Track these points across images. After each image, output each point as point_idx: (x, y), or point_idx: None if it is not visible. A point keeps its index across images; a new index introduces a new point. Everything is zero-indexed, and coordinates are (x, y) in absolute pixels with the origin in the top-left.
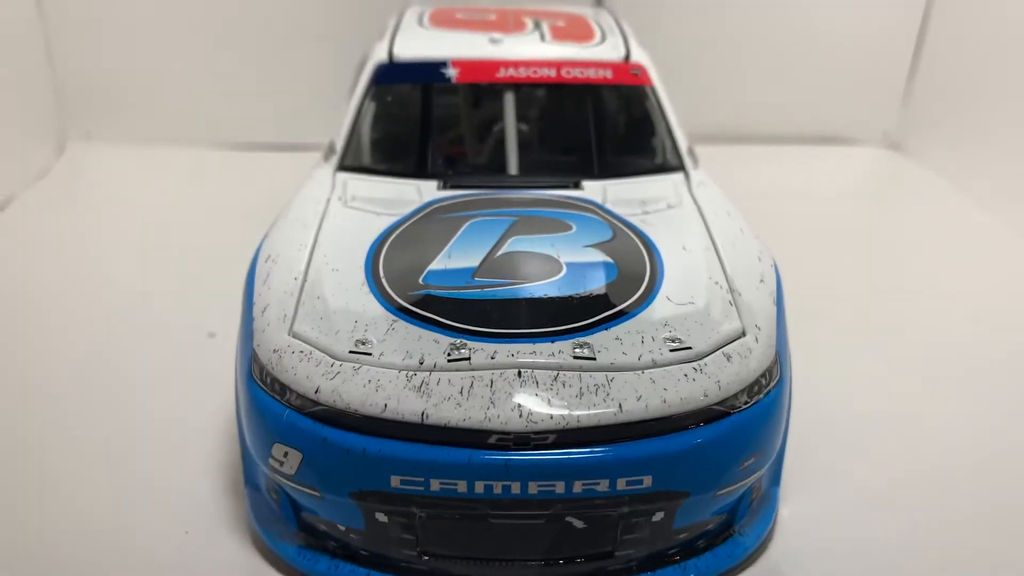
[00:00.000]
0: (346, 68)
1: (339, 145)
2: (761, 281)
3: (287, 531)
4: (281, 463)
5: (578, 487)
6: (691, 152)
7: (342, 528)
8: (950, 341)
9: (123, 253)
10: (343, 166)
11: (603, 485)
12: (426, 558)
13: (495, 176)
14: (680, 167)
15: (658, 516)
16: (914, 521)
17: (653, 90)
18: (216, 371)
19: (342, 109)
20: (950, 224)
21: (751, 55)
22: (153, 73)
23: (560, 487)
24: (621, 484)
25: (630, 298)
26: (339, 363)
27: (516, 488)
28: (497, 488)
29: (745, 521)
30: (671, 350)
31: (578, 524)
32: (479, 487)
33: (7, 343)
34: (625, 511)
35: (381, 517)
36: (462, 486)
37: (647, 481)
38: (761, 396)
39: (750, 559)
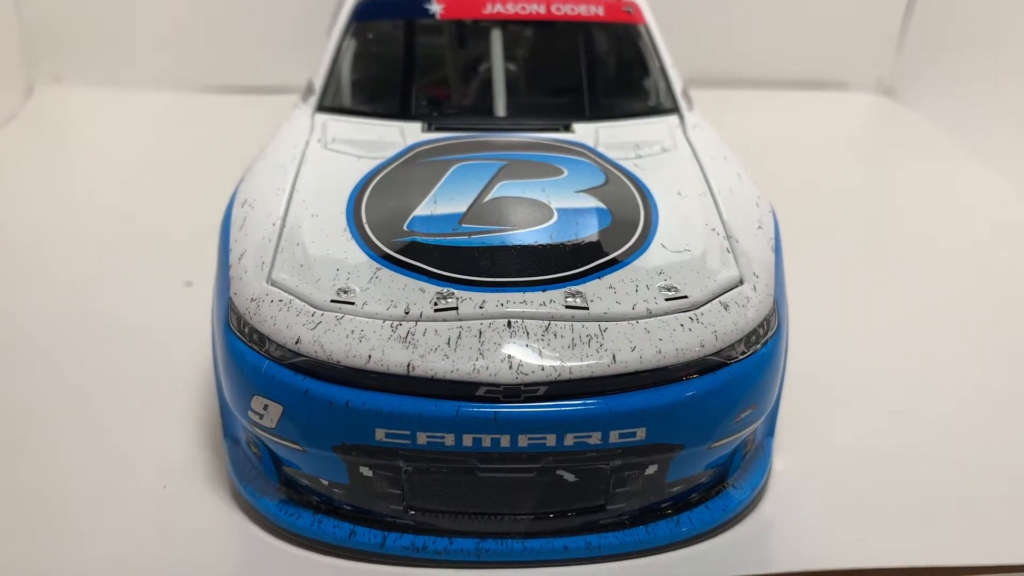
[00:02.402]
0: (324, 7)
1: (318, 85)
2: (759, 228)
3: (268, 486)
4: (261, 416)
5: (569, 440)
6: (686, 94)
7: (325, 483)
8: (943, 287)
9: (96, 199)
10: (322, 107)
11: (595, 438)
12: (412, 512)
13: (482, 118)
14: (674, 109)
15: (651, 469)
16: (909, 473)
17: (647, 28)
18: (193, 320)
19: (321, 49)
20: (943, 170)
21: None
22: (124, 13)
23: (551, 440)
24: (614, 436)
25: (624, 245)
26: (320, 312)
27: (506, 441)
28: (486, 441)
29: (739, 474)
30: (666, 299)
31: (569, 477)
32: (467, 440)
33: None
34: (617, 464)
35: (366, 471)
36: (450, 439)
37: (640, 433)
38: (759, 346)
39: (744, 512)
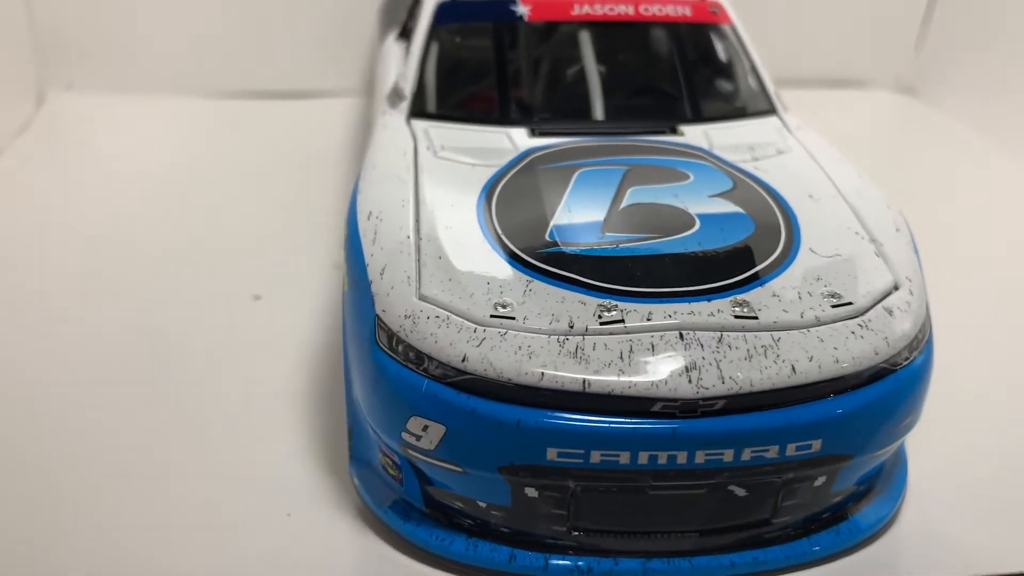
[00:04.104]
0: (347, 8)
1: (408, 90)
2: (897, 230)
3: (411, 510)
4: (418, 438)
5: (747, 455)
6: (778, 94)
7: (482, 505)
8: (982, 287)
9: (135, 212)
10: (416, 112)
11: (773, 451)
12: (576, 533)
13: (582, 122)
14: (772, 110)
15: (820, 481)
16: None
17: (734, 28)
18: (271, 336)
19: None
20: (967, 167)
21: None
22: (136, 17)
23: (728, 455)
24: (791, 449)
25: (774, 251)
26: (483, 328)
27: (682, 458)
28: (662, 458)
29: (884, 479)
30: (832, 306)
31: (739, 492)
32: (643, 458)
33: (36, 322)
34: (789, 477)
35: (531, 492)
36: (625, 457)
37: (816, 445)
38: (918, 351)
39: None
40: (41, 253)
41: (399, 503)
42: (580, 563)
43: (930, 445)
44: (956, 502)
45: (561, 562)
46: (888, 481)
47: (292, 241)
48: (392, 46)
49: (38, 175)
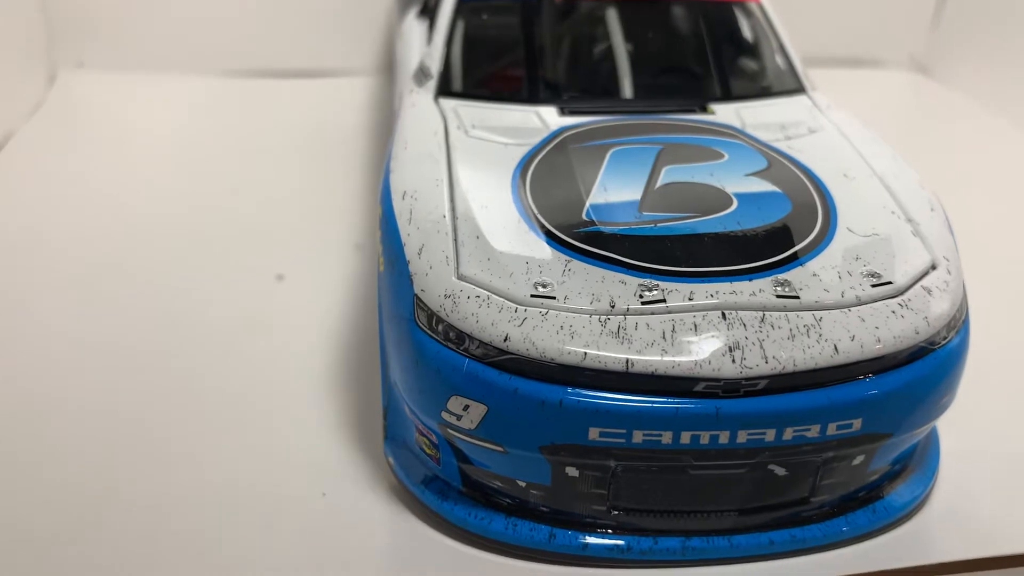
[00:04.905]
0: None
1: (434, 69)
2: (932, 210)
3: (448, 489)
4: (459, 417)
5: (788, 434)
6: (806, 74)
7: (522, 484)
8: (1001, 265)
9: (153, 192)
10: (443, 91)
11: (814, 431)
12: (615, 512)
13: (611, 100)
14: (801, 89)
15: (858, 460)
16: None
17: (761, 6)
18: (297, 317)
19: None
20: (986, 146)
21: None
22: None
23: (770, 435)
24: (831, 429)
25: (812, 230)
26: (524, 308)
27: (724, 438)
28: (704, 438)
29: (917, 459)
30: (872, 285)
31: (779, 471)
32: (685, 438)
33: (53, 308)
34: (829, 456)
35: (571, 471)
36: (667, 437)
37: (857, 424)
38: (956, 331)
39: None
40: (56, 234)
41: (436, 482)
42: (619, 542)
43: (961, 425)
44: (988, 482)
45: (600, 541)
46: (921, 461)
47: (311, 220)
48: (413, 24)
49: (52, 155)
